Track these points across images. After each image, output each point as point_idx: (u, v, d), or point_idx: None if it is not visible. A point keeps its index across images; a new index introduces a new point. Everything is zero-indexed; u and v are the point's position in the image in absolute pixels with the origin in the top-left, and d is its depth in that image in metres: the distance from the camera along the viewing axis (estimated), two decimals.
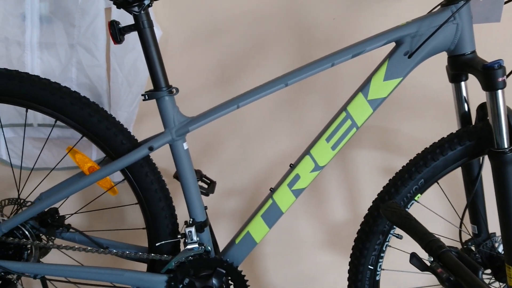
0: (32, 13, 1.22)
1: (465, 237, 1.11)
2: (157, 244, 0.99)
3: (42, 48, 1.24)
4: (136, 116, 1.27)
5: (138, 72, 1.23)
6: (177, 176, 1.03)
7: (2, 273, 0.97)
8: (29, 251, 1.00)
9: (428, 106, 1.27)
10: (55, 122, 0.98)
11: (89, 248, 0.99)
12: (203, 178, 1.09)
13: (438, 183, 1.02)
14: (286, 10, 1.24)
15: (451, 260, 0.73)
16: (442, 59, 0.96)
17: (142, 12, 0.88)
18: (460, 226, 1.06)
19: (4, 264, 0.95)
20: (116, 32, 0.90)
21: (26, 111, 0.98)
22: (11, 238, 0.97)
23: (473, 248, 1.09)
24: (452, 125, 1.03)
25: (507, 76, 0.88)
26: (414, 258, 0.79)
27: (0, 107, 1.24)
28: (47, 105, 0.94)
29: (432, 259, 0.76)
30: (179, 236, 0.99)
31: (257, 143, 1.36)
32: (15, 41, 1.22)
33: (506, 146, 0.88)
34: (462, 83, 0.99)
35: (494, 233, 1.08)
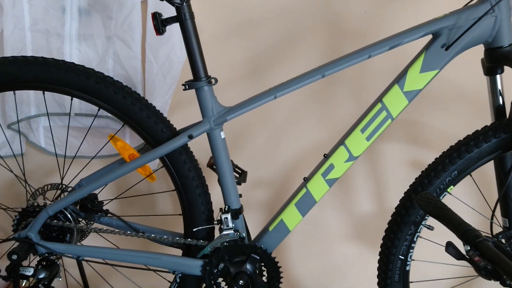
0: (72, 6, 1.26)
1: (496, 230, 1.11)
2: (194, 230, 1.02)
3: (80, 40, 1.28)
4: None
5: (172, 64, 1.27)
6: (210, 165, 1.06)
7: (46, 254, 1.02)
8: (70, 234, 1.04)
9: (458, 100, 1.27)
10: (98, 111, 1.02)
11: (128, 232, 1.03)
12: (235, 168, 1.12)
13: (471, 175, 1.02)
14: (316, 3, 1.25)
15: (488, 249, 0.74)
16: (474, 52, 0.96)
17: (184, 4, 0.91)
18: (492, 219, 1.07)
19: (49, 245, 0.99)
20: (159, 24, 0.93)
21: (71, 100, 1.02)
22: (56, 221, 1.01)
23: (503, 241, 1.10)
24: (482, 121, 1.03)
25: None
26: (450, 247, 0.81)
27: (39, 97, 1.29)
28: (91, 94, 0.97)
29: (468, 248, 0.77)
30: (215, 222, 1.02)
31: (286, 135, 1.38)
32: (55, 33, 1.27)
33: None
34: (498, 76, 0.99)
35: None
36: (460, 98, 1.26)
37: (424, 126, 1.33)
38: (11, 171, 1.20)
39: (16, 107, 1.21)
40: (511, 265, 0.70)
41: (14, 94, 1.07)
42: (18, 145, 1.36)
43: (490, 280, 0.79)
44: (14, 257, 0.95)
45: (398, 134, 1.35)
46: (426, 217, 1.04)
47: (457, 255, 0.80)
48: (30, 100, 1.29)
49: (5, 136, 1.30)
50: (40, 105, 1.30)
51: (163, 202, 1.42)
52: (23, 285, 0.99)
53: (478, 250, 0.75)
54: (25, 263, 1.00)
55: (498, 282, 0.83)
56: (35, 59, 0.96)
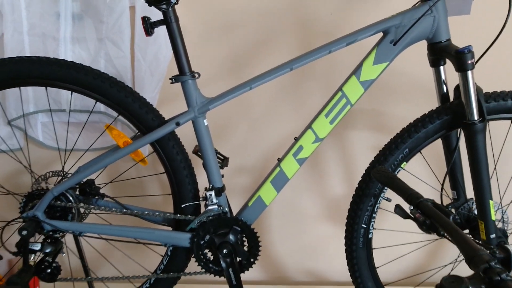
0: (66, 11, 1.38)
1: (447, 202, 1.28)
2: (182, 206, 1.16)
3: (74, 42, 1.40)
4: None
5: (159, 63, 1.40)
6: (196, 152, 1.20)
7: (51, 232, 1.14)
8: (72, 214, 1.17)
9: (415, 91, 1.43)
10: (95, 104, 1.15)
11: (124, 210, 1.16)
12: (218, 154, 1.26)
13: (421, 153, 1.19)
14: (289, 6, 1.40)
15: (427, 207, 0.89)
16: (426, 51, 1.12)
17: (170, 8, 1.05)
18: (441, 191, 1.23)
19: (54, 223, 1.12)
20: (148, 26, 1.06)
21: (71, 94, 1.15)
22: (59, 202, 1.14)
23: (453, 210, 1.26)
24: (435, 106, 1.19)
25: (477, 61, 1.05)
26: (398, 208, 0.96)
27: (37, 95, 1.41)
28: (89, 89, 1.10)
29: (412, 208, 0.93)
30: (201, 199, 1.16)
31: (264, 126, 1.52)
32: (51, 36, 1.39)
33: (475, 118, 1.06)
34: (441, 67, 1.16)
35: (472, 198, 1.25)
36: (416, 89, 1.42)
37: (388, 115, 1.49)
38: (20, 162, 1.33)
39: (21, 103, 1.33)
40: (444, 218, 0.86)
41: (20, 90, 1.19)
42: (18, 139, 1.47)
43: (430, 233, 0.95)
44: (24, 232, 1.08)
45: (365, 123, 1.51)
46: (384, 190, 1.20)
47: (404, 214, 0.96)
48: (29, 97, 1.40)
49: (12, 130, 1.41)
50: (38, 102, 1.42)
51: (152, 186, 1.55)
52: (31, 258, 1.11)
53: (419, 209, 0.90)
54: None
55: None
56: (39, 59, 1.09)
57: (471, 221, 1.23)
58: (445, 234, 0.89)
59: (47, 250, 1.12)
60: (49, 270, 1.14)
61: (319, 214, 1.61)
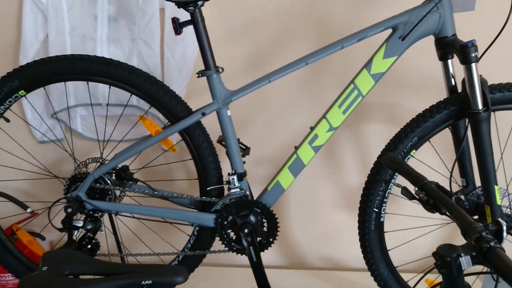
0: (102, 14, 1.52)
1: (456, 189, 1.34)
2: (208, 189, 1.27)
3: (109, 42, 1.54)
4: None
5: (186, 60, 1.52)
6: (220, 141, 1.31)
7: (91, 211, 1.28)
8: (109, 196, 1.30)
9: (426, 84, 1.50)
10: (129, 98, 1.28)
11: (155, 192, 1.29)
12: (240, 144, 1.37)
13: (430, 142, 1.26)
14: (306, 6, 1.50)
15: (430, 188, 0.97)
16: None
17: (197, 10, 1.17)
18: (450, 178, 1.30)
19: (94, 203, 1.25)
20: (177, 26, 1.18)
21: (109, 88, 1.28)
22: (98, 185, 1.27)
23: (462, 197, 1.33)
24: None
25: (481, 55, 1.12)
26: (404, 190, 1.04)
27: (77, 90, 1.55)
28: (125, 83, 1.23)
29: (416, 189, 1.01)
30: (224, 183, 1.28)
31: (282, 118, 1.62)
32: (89, 37, 1.53)
33: (480, 108, 1.13)
34: (449, 61, 1.23)
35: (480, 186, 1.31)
36: (427, 82, 1.50)
37: (400, 108, 1.56)
38: (65, 150, 1.47)
39: (66, 97, 1.48)
40: (445, 197, 0.94)
41: (65, 84, 1.34)
42: (60, 131, 1.63)
43: (434, 212, 1.02)
44: (69, 210, 1.22)
45: (378, 116, 1.59)
46: (395, 177, 1.28)
47: (409, 195, 1.04)
48: (70, 92, 1.55)
49: (59, 123, 1.57)
50: (78, 97, 1.56)
51: (179, 173, 1.67)
52: (75, 234, 1.25)
53: (423, 190, 0.98)
54: None
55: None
56: (81, 56, 1.23)
57: (479, 208, 1.29)
58: (446, 212, 0.98)
59: (88, 227, 1.25)
60: (89, 246, 1.28)
61: (335, 202, 1.70)
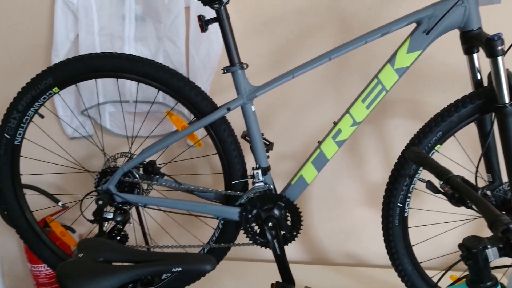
0: (130, 14, 1.56)
1: (482, 185, 1.33)
2: (232, 183, 1.30)
3: (137, 41, 1.58)
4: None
5: (210, 58, 1.55)
6: (244, 136, 1.34)
7: (120, 204, 1.32)
8: (137, 189, 1.35)
9: (450, 79, 1.49)
10: (157, 94, 1.31)
11: (181, 186, 1.32)
12: (264, 138, 1.39)
13: (455, 137, 1.26)
14: (329, 2, 1.50)
15: (455, 182, 0.96)
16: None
17: (222, 7, 1.19)
18: (476, 173, 1.29)
19: (124, 196, 1.30)
20: (203, 23, 1.22)
21: (138, 85, 1.32)
22: (127, 178, 1.32)
23: (488, 193, 1.31)
24: None
25: (508, 49, 1.11)
26: (429, 184, 1.04)
27: (105, 88, 1.60)
28: (153, 79, 1.27)
29: (441, 183, 1.01)
30: (249, 177, 1.30)
31: (305, 114, 1.63)
32: (117, 36, 1.57)
33: (506, 102, 1.12)
34: (474, 55, 1.22)
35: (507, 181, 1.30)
36: (451, 77, 1.48)
37: (423, 104, 1.55)
38: (96, 145, 1.53)
39: (97, 94, 1.53)
40: (471, 190, 0.94)
41: (96, 81, 1.38)
42: (89, 127, 1.69)
43: (459, 206, 1.02)
44: (100, 202, 1.27)
45: (403, 111, 1.58)
46: (419, 172, 1.28)
47: (434, 189, 1.04)
48: (99, 90, 1.60)
49: (90, 119, 1.63)
50: (106, 94, 1.62)
51: (204, 168, 1.71)
52: (105, 225, 1.30)
53: (448, 183, 0.98)
54: None
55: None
56: (111, 54, 1.28)
57: (506, 203, 1.28)
58: (472, 206, 0.97)
59: (118, 219, 1.30)
60: (118, 238, 1.33)
61: (358, 198, 1.70)
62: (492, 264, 0.77)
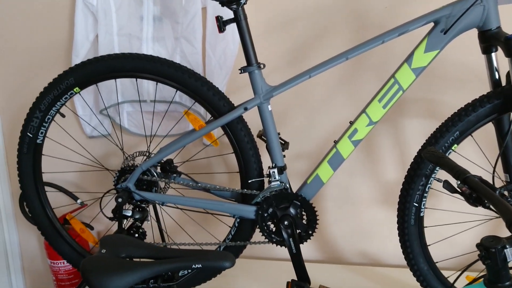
0: (148, 14, 1.59)
1: (500, 185, 1.32)
2: (249, 181, 1.31)
3: (154, 41, 1.61)
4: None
5: (226, 58, 1.57)
6: (260, 136, 1.35)
7: (139, 202, 1.35)
8: (156, 187, 1.37)
9: (468, 78, 1.48)
10: (175, 94, 1.33)
11: (198, 185, 1.34)
12: (280, 138, 1.40)
13: (472, 136, 1.25)
14: (345, 1, 1.50)
15: (473, 182, 0.96)
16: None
17: (240, 8, 1.21)
18: (493, 173, 1.28)
19: (142, 194, 1.33)
20: (221, 24, 1.23)
21: (156, 85, 1.35)
22: (146, 177, 1.34)
23: (506, 193, 1.30)
24: None
25: None
26: (446, 183, 1.04)
27: (124, 88, 1.63)
28: (171, 79, 1.30)
29: (459, 182, 1.01)
30: (265, 176, 1.31)
31: (321, 114, 1.64)
32: (135, 36, 1.60)
33: None
34: (493, 54, 1.21)
35: None
36: (469, 76, 1.47)
37: (439, 103, 1.54)
38: (116, 144, 1.57)
39: (117, 94, 1.56)
40: (488, 190, 0.93)
41: (116, 81, 1.41)
42: (107, 126, 1.72)
43: (477, 206, 1.02)
44: (119, 200, 1.29)
45: (419, 111, 1.58)
46: (435, 171, 1.28)
47: (451, 189, 1.04)
48: (118, 90, 1.63)
49: (110, 118, 1.66)
50: (124, 94, 1.64)
51: (220, 168, 1.73)
52: (124, 223, 1.32)
53: (466, 183, 0.98)
54: None
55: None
56: (131, 55, 1.30)
57: None
58: (490, 205, 0.97)
59: (137, 216, 1.32)
60: (137, 235, 1.35)
61: (373, 198, 1.70)
62: (510, 264, 0.77)
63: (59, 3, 1.63)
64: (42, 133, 1.38)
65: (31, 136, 1.38)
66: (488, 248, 0.75)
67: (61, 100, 1.35)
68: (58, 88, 1.33)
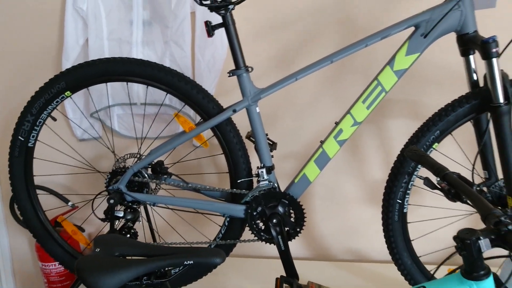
0: (137, 19, 1.61)
1: (479, 181, 1.37)
2: (238, 181, 1.35)
3: (144, 45, 1.63)
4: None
5: (215, 61, 1.60)
6: (248, 137, 1.39)
7: (130, 203, 1.37)
8: (147, 189, 1.40)
9: (447, 80, 1.54)
10: (165, 97, 1.36)
11: (189, 185, 1.37)
12: (268, 138, 1.44)
13: (452, 135, 1.30)
14: (331, 5, 1.55)
15: (452, 178, 1.01)
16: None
17: (228, 13, 1.24)
18: (472, 170, 1.33)
19: (134, 195, 1.35)
20: (210, 29, 1.27)
21: (147, 88, 1.37)
22: (137, 178, 1.37)
23: (485, 189, 1.36)
24: None
25: (502, 51, 1.16)
26: (426, 180, 1.09)
27: (114, 91, 1.65)
28: (161, 83, 1.32)
29: (438, 179, 1.06)
30: (254, 175, 1.35)
31: (308, 115, 1.68)
32: (125, 41, 1.62)
33: (501, 101, 1.17)
34: (471, 57, 1.27)
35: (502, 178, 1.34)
36: (450, 78, 1.53)
37: (420, 104, 1.60)
38: (107, 147, 1.59)
39: (108, 97, 1.58)
40: (466, 186, 0.98)
41: (106, 85, 1.44)
42: (98, 129, 1.74)
43: (455, 201, 1.07)
44: (111, 201, 1.32)
45: (402, 112, 1.63)
46: (417, 169, 1.33)
47: (432, 185, 1.09)
48: (108, 93, 1.65)
49: (101, 121, 1.67)
50: (115, 97, 1.67)
51: (209, 169, 1.76)
52: (116, 223, 1.35)
53: (445, 180, 1.03)
54: None
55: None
56: (122, 59, 1.33)
57: (502, 199, 1.33)
58: (467, 200, 1.02)
59: (128, 217, 1.35)
60: (128, 235, 1.38)
61: (360, 196, 1.75)
62: (486, 255, 0.82)
63: (48, 8, 1.65)
64: (33, 136, 1.40)
65: (23, 139, 1.40)
66: (464, 240, 0.80)
67: (52, 104, 1.37)
68: (49, 92, 1.34)
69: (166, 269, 0.92)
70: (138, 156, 1.44)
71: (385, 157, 1.69)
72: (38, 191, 1.52)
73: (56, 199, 1.74)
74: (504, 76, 1.17)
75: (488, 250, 0.79)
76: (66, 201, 1.71)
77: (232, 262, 1.64)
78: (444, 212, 1.48)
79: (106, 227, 1.40)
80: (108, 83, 1.56)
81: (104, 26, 1.60)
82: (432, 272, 1.41)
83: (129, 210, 1.38)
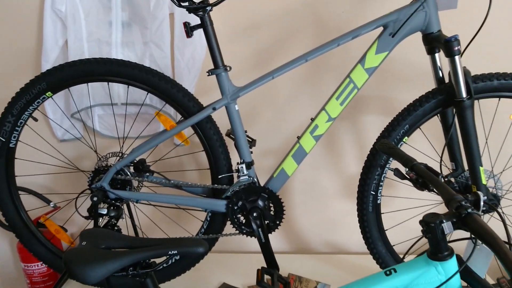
0: (117, 20, 1.64)
1: (447, 172, 1.46)
2: (219, 177, 1.39)
3: (123, 46, 1.66)
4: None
5: (195, 61, 1.64)
6: (228, 134, 1.43)
7: (113, 201, 1.40)
8: (129, 186, 1.43)
9: (415, 77, 1.62)
10: (146, 96, 1.39)
11: (171, 182, 1.41)
12: (247, 136, 1.48)
13: (421, 129, 1.38)
14: (304, 7, 1.61)
15: (419, 169, 1.08)
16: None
17: (206, 14, 1.29)
18: (440, 162, 1.42)
19: (117, 192, 1.38)
20: (188, 30, 1.31)
21: (128, 88, 1.40)
22: (120, 176, 1.40)
23: (452, 180, 1.44)
24: None
25: (464, 49, 1.24)
26: (396, 171, 1.16)
27: (95, 91, 1.67)
28: (142, 82, 1.35)
29: (407, 170, 1.13)
30: (234, 171, 1.40)
31: (287, 113, 1.74)
32: (105, 42, 1.65)
33: (464, 96, 1.25)
34: (436, 55, 1.35)
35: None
36: (418, 75, 1.61)
37: (391, 100, 1.68)
38: (90, 146, 1.61)
39: (89, 97, 1.60)
40: (432, 176, 1.05)
41: (88, 86, 1.46)
42: (80, 129, 1.75)
43: (423, 190, 1.14)
44: (95, 199, 1.34)
45: (375, 108, 1.70)
46: (389, 162, 1.40)
47: (401, 176, 1.15)
48: (89, 93, 1.67)
49: (82, 121, 1.69)
50: (95, 98, 1.69)
51: (190, 166, 1.79)
52: (99, 221, 1.37)
53: (413, 170, 1.10)
54: None
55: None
56: (103, 59, 1.36)
57: (468, 188, 1.41)
58: (433, 188, 1.09)
59: (112, 214, 1.38)
60: None
61: (338, 191, 1.81)
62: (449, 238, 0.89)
63: (27, 9, 1.66)
64: (15, 137, 1.41)
65: (4, 140, 1.41)
66: (429, 223, 0.87)
67: (33, 105, 1.38)
68: (30, 92, 1.36)
69: (151, 260, 0.95)
70: (120, 154, 1.47)
71: (360, 151, 1.76)
72: (19, 192, 1.53)
73: (37, 200, 1.75)
74: (466, 72, 1.25)
75: (451, 232, 0.85)
76: (47, 202, 1.72)
77: (215, 258, 1.69)
78: (416, 202, 1.55)
79: (90, 226, 1.42)
80: (89, 84, 1.59)
81: (83, 28, 1.62)
82: (402, 257, 1.49)
83: (112, 207, 1.40)
